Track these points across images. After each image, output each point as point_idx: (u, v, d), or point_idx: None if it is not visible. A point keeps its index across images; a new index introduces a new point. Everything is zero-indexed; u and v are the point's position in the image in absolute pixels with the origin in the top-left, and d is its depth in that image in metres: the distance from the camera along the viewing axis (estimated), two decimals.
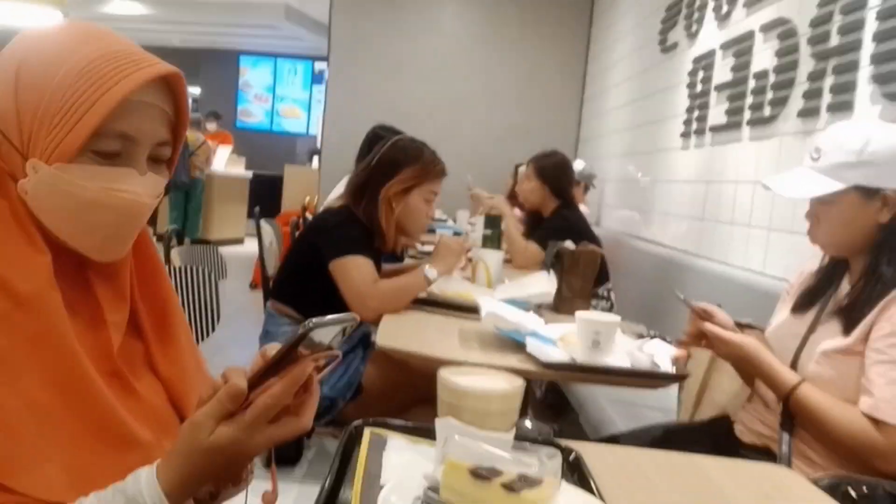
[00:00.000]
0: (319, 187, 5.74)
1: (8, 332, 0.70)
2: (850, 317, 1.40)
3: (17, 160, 0.74)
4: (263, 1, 9.63)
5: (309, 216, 3.66)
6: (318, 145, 7.79)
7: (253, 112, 12.90)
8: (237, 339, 2.89)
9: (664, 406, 2.10)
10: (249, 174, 9.04)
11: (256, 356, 0.72)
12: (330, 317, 0.68)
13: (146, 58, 0.77)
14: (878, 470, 1.30)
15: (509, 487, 0.71)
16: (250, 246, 8.55)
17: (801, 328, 1.52)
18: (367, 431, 0.98)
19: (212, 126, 8.80)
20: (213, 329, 1.77)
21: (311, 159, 9.37)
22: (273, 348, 0.70)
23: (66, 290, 0.75)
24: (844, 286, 1.49)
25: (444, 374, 0.87)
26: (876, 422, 1.29)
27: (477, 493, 0.72)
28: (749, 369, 1.55)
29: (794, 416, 1.44)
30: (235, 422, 0.67)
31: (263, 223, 3.10)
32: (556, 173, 3.36)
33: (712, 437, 1.64)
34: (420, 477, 0.80)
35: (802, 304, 1.57)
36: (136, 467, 0.70)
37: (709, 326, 1.52)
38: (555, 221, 3.26)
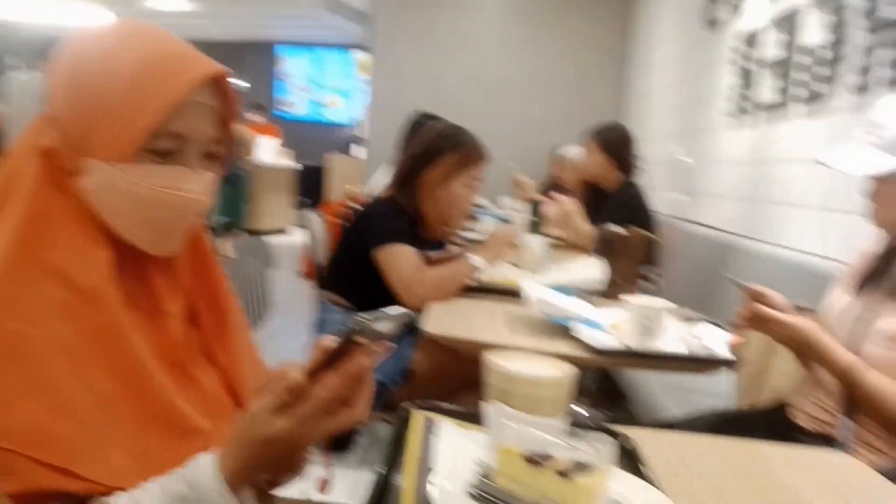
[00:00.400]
0: (365, 176, 5.78)
1: (72, 323, 0.72)
2: None
3: (76, 159, 0.77)
4: None
5: (355, 205, 3.68)
6: (360, 134, 7.83)
7: (295, 102, 13.03)
8: (289, 328, 2.92)
9: (719, 392, 2.07)
10: (295, 165, 9.15)
11: (314, 348, 0.73)
12: (384, 311, 0.69)
13: (197, 57, 0.79)
14: None
15: (563, 474, 0.71)
16: (296, 236, 8.68)
17: (860, 310, 1.48)
18: (418, 415, 0.98)
19: (258, 118, 8.93)
20: (267, 317, 1.80)
21: (349, 148, 9.44)
22: (329, 340, 0.71)
23: (125, 282, 0.77)
24: None
25: (493, 359, 0.87)
26: None
27: (531, 480, 0.72)
28: (807, 352, 1.51)
29: (854, 400, 1.40)
30: (293, 414, 0.68)
31: (310, 213, 3.14)
32: (621, 146, 3.32)
33: (770, 423, 1.61)
34: (471, 462, 0.80)
35: (862, 285, 1.52)
36: (196, 455, 0.72)
37: (764, 309, 1.49)
38: (619, 199, 3.22)
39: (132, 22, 0.82)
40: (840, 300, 1.57)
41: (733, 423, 1.68)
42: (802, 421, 1.55)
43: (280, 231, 8.75)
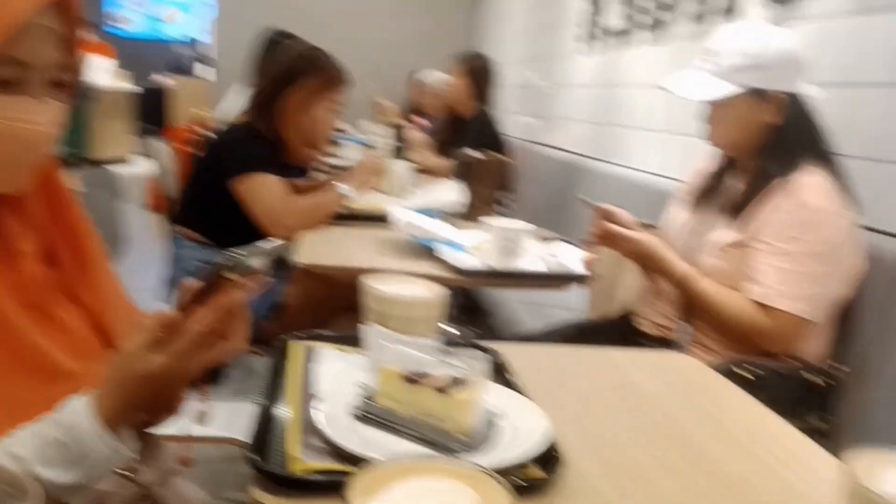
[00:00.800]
0: (212, 99, 5.47)
1: None
2: (740, 212, 1.50)
3: None
4: None
5: (206, 132, 3.49)
6: (209, 53, 7.35)
7: (129, 17, 11.96)
8: (141, 263, 2.77)
9: (571, 305, 2.21)
10: (135, 88, 8.47)
11: (180, 290, 0.71)
12: (254, 246, 0.68)
13: None
14: (766, 351, 1.44)
15: (441, 390, 0.75)
16: (139, 165, 8.12)
17: (696, 224, 1.62)
18: (296, 344, 0.99)
19: (88, 36, 8.11)
20: (123, 254, 1.70)
21: (192, 68, 8.86)
22: (197, 278, 0.70)
23: None
24: (735, 184, 1.59)
25: (371, 283, 0.89)
26: (764, 307, 1.42)
27: (411, 397, 0.76)
28: (650, 265, 1.65)
29: (691, 306, 1.55)
30: (168, 350, 0.67)
31: (155, 141, 2.95)
32: (483, 75, 3.40)
33: (618, 331, 1.75)
34: (352, 385, 0.83)
35: (697, 202, 1.66)
36: (68, 398, 0.69)
37: (612, 227, 1.60)
38: (476, 127, 3.30)
39: None
40: (678, 216, 1.71)
41: (586, 332, 1.82)
42: (646, 327, 1.70)
43: (121, 160, 8.14)
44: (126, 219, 1.88)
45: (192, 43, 10.44)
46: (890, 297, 1.40)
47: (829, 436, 1.45)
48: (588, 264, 1.59)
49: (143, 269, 2.52)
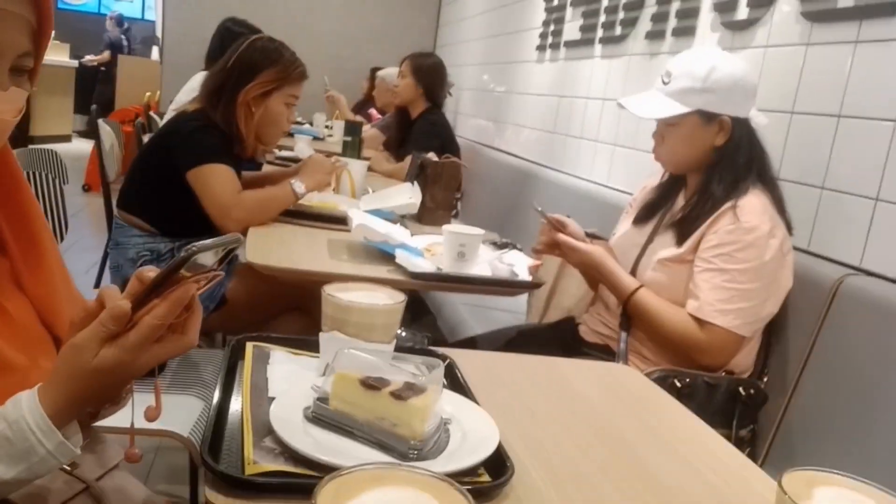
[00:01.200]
0: (162, 82, 5.33)
1: None
2: (684, 229, 1.56)
3: None
4: None
5: (153, 115, 3.41)
6: (155, 32, 7.16)
7: None
8: (77, 245, 2.69)
9: (514, 309, 2.25)
10: (74, 63, 8.19)
11: (133, 280, 0.70)
12: (213, 240, 0.68)
13: None
14: (700, 363, 1.50)
15: (397, 396, 0.76)
16: (78, 144, 7.86)
17: (640, 238, 1.68)
18: (249, 346, 0.99)
19: None
20: (63, 238, 1.65)
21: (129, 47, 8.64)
22: (151, 271, 0.69)
23: None
24: (680, 201, 1.65)
25: (330, 290, 0.90)
26: (699, 321, 1.48)
27: (367, 402, 0.77)
28: (595, 276, 1.70)
29: (631, 317, 1.61)
30: (120, 343, 0.66)
31: (102, 123, 2.86)
32: (432, 75, 3.42)
33: (560, 337, 1.80)
34: (306, 388, 0.83)
35: (643, 216, 1.72)
36: (14, 391, 0.67)
37: (562, 237, 1.64)
38: (423, 127, 3.32)
39: None
40: (624, 229, 1.77)
41: (528, 337, 1.86)
42: (587, 335, 1.75)
43: (59, 138, 7.86)
44: (65, 200, 1.82)
45: (122, 20, 10.09)
46: (813, 315, 1.47)
47: (752, 444, 1.53)
48: (533, 271, 1.63)
49: (79, 252, 2.44)
